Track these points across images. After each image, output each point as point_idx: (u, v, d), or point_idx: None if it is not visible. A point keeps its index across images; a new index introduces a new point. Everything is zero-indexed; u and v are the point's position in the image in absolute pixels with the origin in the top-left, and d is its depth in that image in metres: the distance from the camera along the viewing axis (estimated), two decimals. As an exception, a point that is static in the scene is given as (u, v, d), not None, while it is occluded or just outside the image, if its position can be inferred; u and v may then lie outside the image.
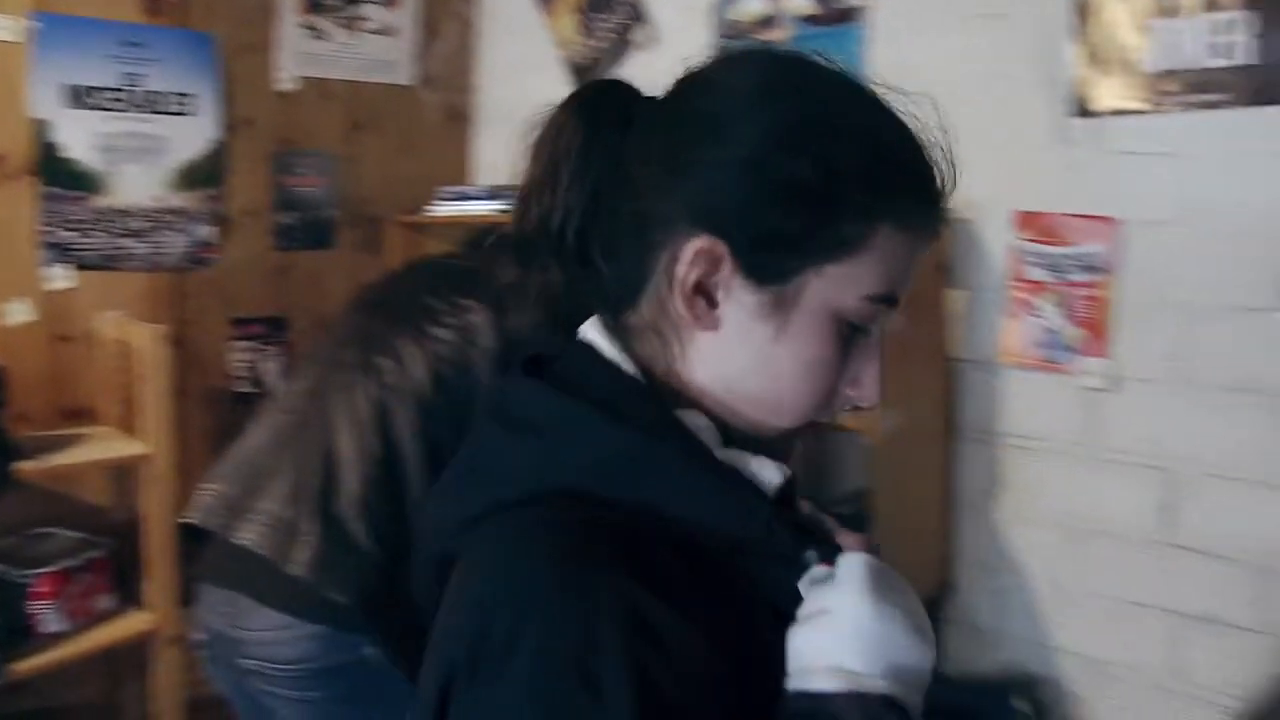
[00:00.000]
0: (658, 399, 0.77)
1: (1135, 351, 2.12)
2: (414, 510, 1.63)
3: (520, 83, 3.26)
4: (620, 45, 2.89)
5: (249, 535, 1.58)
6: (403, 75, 3.29)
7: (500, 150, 3.31)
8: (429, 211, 3.11)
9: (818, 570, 0.73)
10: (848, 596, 0.69)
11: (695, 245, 0.74)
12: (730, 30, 2.64)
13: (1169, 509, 2.07)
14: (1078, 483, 2.20)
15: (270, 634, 1.57)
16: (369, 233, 3.23)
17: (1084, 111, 2.13)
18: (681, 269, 0.74)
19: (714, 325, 0.76)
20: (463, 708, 0.67)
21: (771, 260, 0.74)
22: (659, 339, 0.78)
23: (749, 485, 0.76)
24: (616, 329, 0.80)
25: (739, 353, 0.76)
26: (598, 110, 0.81)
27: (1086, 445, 2.19)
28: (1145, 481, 2.10)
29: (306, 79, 3.07)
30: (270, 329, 3.04)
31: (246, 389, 2.96)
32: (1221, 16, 1.95)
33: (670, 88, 0.80)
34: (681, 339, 0.77)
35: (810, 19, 2.50)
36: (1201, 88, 1.99)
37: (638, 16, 2.89)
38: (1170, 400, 2.08)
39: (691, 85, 0.79)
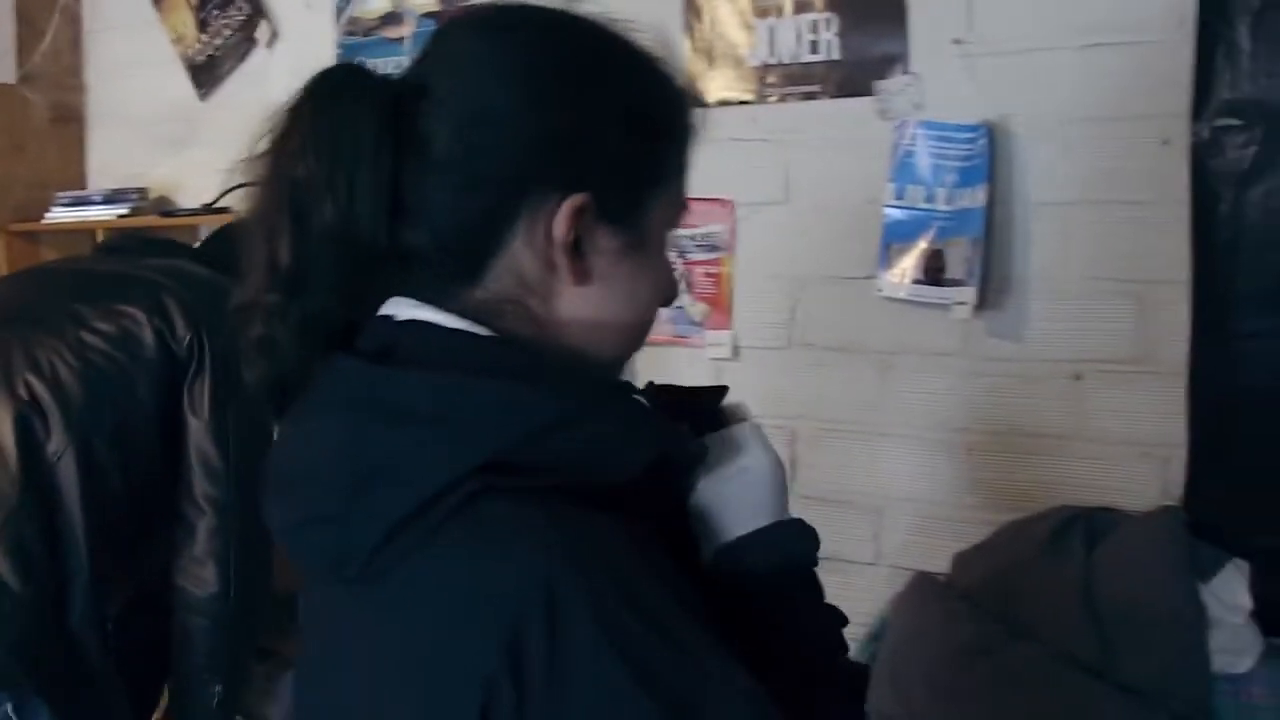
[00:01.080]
0: (541, 357, 0.76)
1: (753, 321, 2.30)
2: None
3: (133, 81, 3.08)
4: (242, 42, 2.79)
5: None
6: (2, 73, 3.03)
7: (116, 151, 3.13)
8: (46, 219, 2.89)
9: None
10: (760, 455, 0.82)
11: (572, 203, 0.74)
12: (354, 27, 2.62)
13: (791, 463, 2.27)
14: (715, 448, 2.35)
15: None
16: (-24, 243, 2.95)
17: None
18: (560, 229, 0.74)
19: (588, 277, 0.77)
20: None
21: (629, 200, 0.78)
22: (516, 307, 0.76)
23: (647, 410, 0.81)
24: (452, 307, 0.76)
25: (609, 296, 0.78)
26: (372, 98, 0.75)
27: (719, 412, 2.35)
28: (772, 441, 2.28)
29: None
30: None
31: None
32: (812, 17, 2.15)
33: (432, 65, 0.79)
34: (547, 301, 0.77)
35: (433, 15, 2.52)
36: (798, 80, 2.19)
37: (258, 12, 2.80)
38: (786, 364, 2.28)
39: (464, 55, 0.78)
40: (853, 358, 2.20)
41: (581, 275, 0.76)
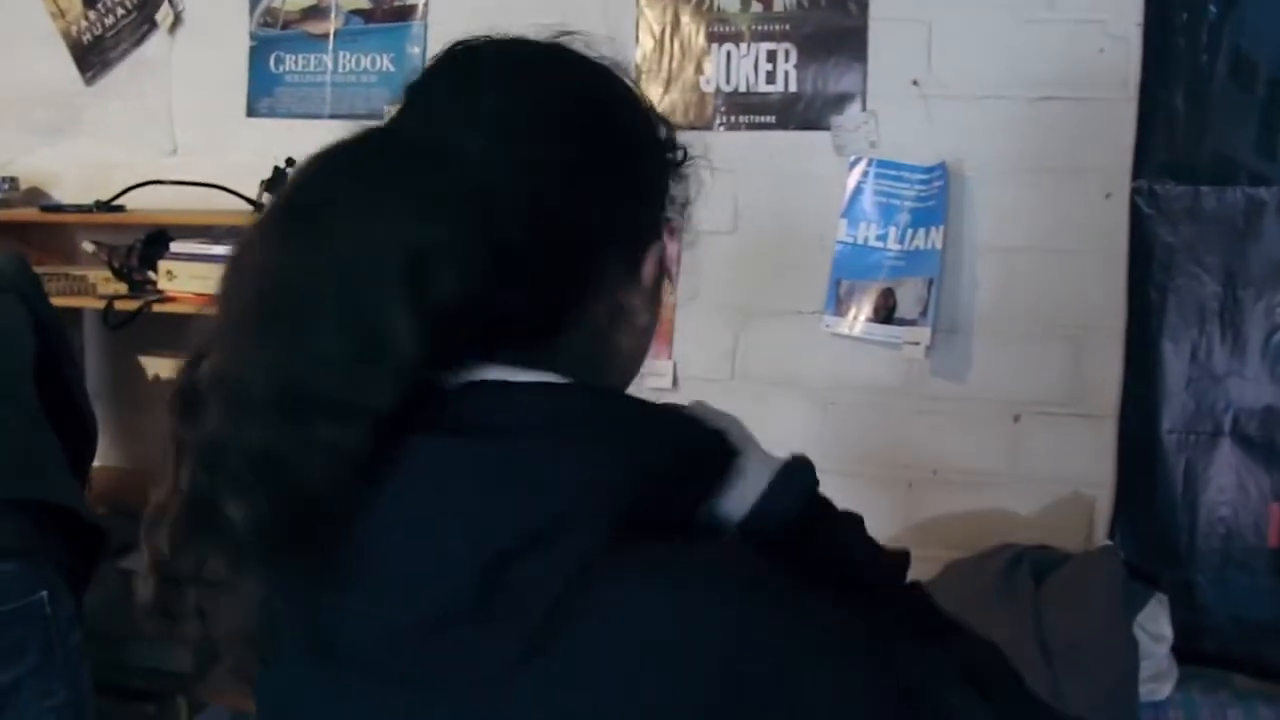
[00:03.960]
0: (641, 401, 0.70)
1: (695, 352, 2.28)
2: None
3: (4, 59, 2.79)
4: (139, 24, 2.56)
5: None
6: None
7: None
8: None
9: None
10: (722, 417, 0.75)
11: (659, 247, 0.75)
12: (270, 18, 2.44)
13: (728, 495, 2.25)
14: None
15: None
16: None
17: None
18: (649, 274, 0.75)
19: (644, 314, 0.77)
20: None
21: (660, 230, 0.78)
22: (593, 354, 0.74)
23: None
24: (538, 364, 0.69)
25: (644, 329, 0.78)
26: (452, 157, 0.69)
27: (653, 441, 2.32)
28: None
29: None
30: None
31: None
32: (770, 46, 2.15)
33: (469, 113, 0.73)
34: (611, 341, 0.75)
35: (362, 13, 2.39)
36: (753, 109, 2.18)
37: (156, -8, 2.58)
38: (727, 396, 2.26)
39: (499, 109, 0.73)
40: (796, 392, 2.21)
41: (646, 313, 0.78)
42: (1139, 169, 2.01)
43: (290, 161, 2.30)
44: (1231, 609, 2.04)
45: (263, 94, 2.43)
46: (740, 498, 0.70)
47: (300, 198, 0.70)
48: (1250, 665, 2.01)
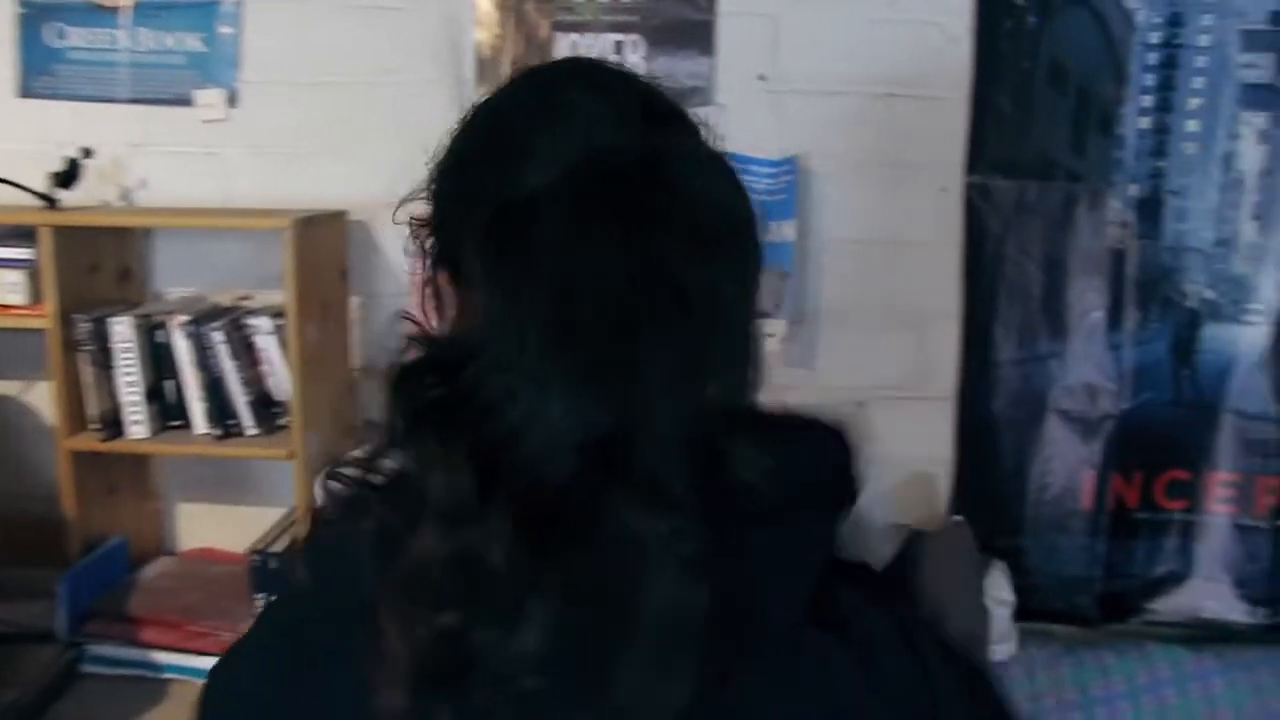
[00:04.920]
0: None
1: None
2: None
3: None
4: None
5: None
6: None
7: None
8: None
9: None
10: None
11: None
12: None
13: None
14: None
15: None
16: None
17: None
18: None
19: None
20: None
21: None
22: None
23: None
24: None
25: None
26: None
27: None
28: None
29: None
30: None
31: None
32: (618, 37, 2.11)
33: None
34: None
35: (160, -12, 2.13)
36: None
37: None
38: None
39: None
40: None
41: None
42: (972, 164, 2.13)
43: (88, 152, 2.03)
44: (1053, 568, 2.23)
45: (39, 72, 2.12)
46: None
47: None
48: (1066, 616, 2.22)
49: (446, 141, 0.72)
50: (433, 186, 0.71)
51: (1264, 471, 2.20)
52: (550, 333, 0.58)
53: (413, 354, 0.63)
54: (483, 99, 0.74)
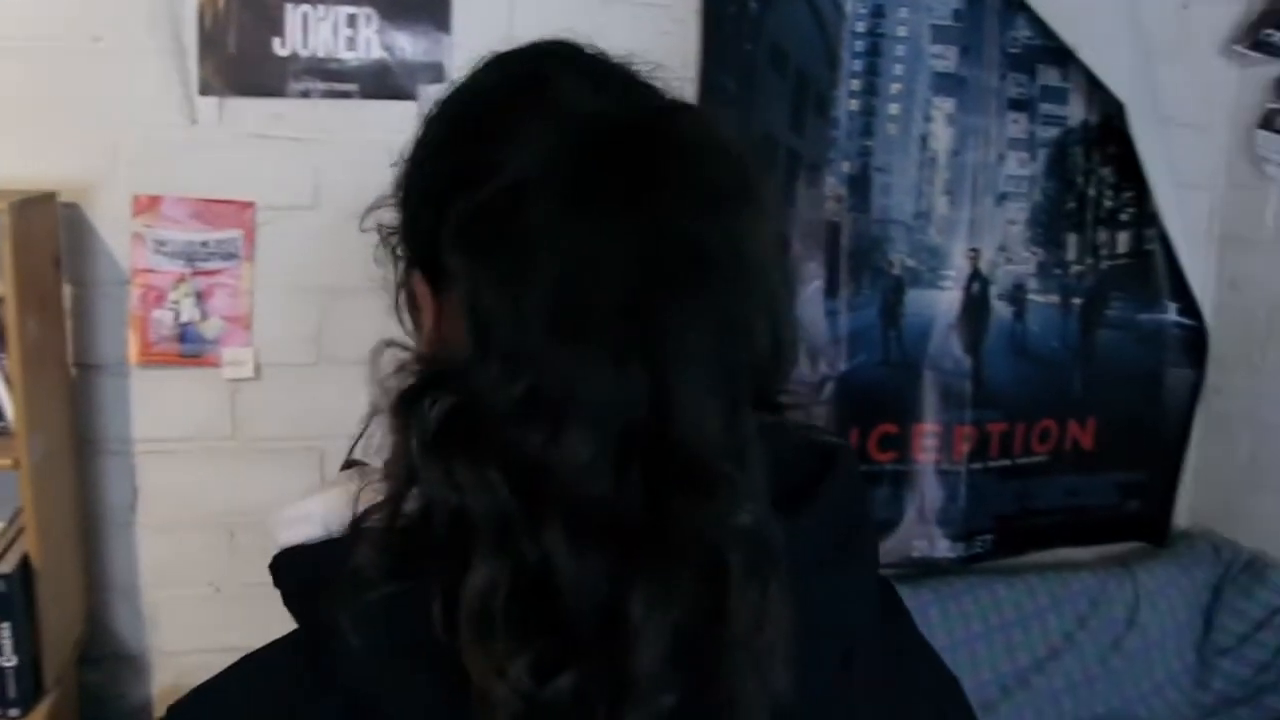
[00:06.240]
0: None
1: (277, 337, 2.11)
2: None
3: None
4: None
5: None
6: None
7: None
8: None
9: None
10: None
11: None
12: None
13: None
14: (236, 477, 2.11)
15: None
16: None
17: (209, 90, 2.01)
18: None
19: None
20: None
21: None
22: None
23: None
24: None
25: None
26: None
27: (238, 438, 2.11)
28: (302, 464, 2.12)
29: None
30: None
31: None
32: (350, 10, 2.03)
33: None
34: None
35: None
36: (332, 76, 2.05)
37: None
38: (313, 382, 2.13)
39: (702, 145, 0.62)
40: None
41: None
42: (701, 144, 2.23)
43: None
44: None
45: None
46: None
47: None
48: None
49: (412, 138, 0.67)
50: (401, 187, 0.66)
51: (960, 421, 2.46)
52: (562, 319, 0.53)
53: (408, 379, 0.58)
54: (448, 90, 0.69)
